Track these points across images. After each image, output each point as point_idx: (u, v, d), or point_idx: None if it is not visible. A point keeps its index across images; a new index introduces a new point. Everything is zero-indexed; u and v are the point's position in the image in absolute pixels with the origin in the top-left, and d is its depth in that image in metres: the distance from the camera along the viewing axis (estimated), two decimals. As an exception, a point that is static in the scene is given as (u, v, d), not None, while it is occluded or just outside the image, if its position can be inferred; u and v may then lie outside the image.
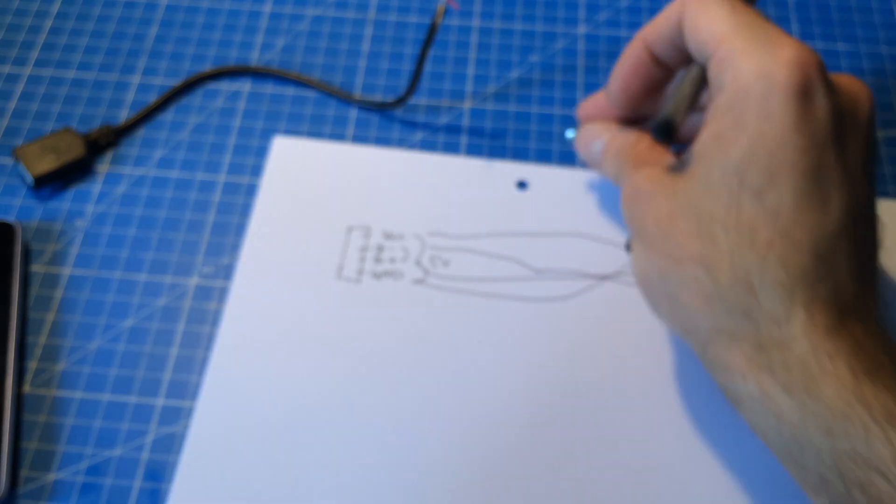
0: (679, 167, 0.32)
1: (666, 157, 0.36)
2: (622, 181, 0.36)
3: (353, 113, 0.49)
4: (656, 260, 0.33)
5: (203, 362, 0.40)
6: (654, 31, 0.34)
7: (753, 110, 0.28)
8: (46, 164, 0.45)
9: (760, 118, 0.28)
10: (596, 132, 0.39)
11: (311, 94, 0.50)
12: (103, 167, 0.47)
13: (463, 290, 0.42)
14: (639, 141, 0.37)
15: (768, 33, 0.30)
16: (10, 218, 0.44)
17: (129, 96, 0.50)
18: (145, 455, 0.38)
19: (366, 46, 0.52)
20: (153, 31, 0.52)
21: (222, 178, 0.46)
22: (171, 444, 0.38)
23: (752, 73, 0.28)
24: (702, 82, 0.33)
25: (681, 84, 0.34)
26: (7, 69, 0.51)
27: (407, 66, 0.51)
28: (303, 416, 0.38)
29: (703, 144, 0.30)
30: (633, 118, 0.39)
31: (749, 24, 0.30)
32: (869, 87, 0.33)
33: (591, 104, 0.40)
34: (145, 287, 0.42)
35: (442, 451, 0.37)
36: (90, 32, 0.52)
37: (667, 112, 0.33)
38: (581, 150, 0.40)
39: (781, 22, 0.53)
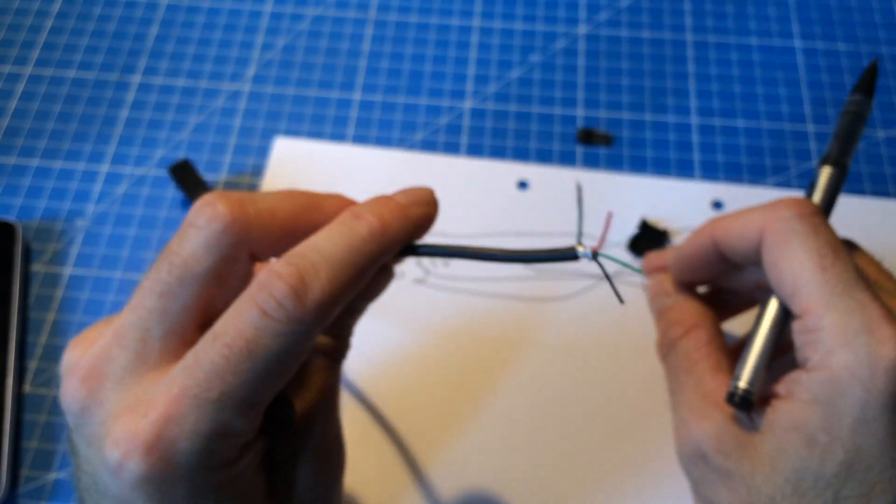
0: (748, 426, 0.27)
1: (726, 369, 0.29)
2: (680, 387, 0.30)
3: (354, 113, 0.49)
4: None
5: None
6: (728, 237, 0.29)
7: (849, 419, 0.25)
8: None
9: (857, 429, 0.25)
10: (665, 288, 0.34)
11: (311, 93, 0.50)
12: (104, 167, 0.47)
13: (463, 290, 0.42)
14: (709, 342, 0.31)
15: (864, 310, 0.25)
16: (11, 217, 0.44)
17: (130, 96, 0.50)
18: (146, 455, 0.38)
19: (366, 46, 0.52)
20: (154, 30, 0.52)
21: (223, 177, 0.46)
22: (171, 444, 0.38)
23: (848, 371, 0.25)
24: (782, 326, 0.28)
25: (757, 338, 0.28)
26: (8, 68, 0.51)
27: (407, 66, 0.51)
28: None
29: (787, 434, 0.26)
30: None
31: (841, 289, 0.26)
32: None
33: (658, 259, 0.35)
34: (146, 287, 0.42)
35: (441, 450, 0.37)
36: (91, 32, 0.52)
37: (743, 379, 0.27)
38: (650, 297, 0.35)
39: (782, 22, 0.53)
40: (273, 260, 0.24)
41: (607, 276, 0.24)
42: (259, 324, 0.22)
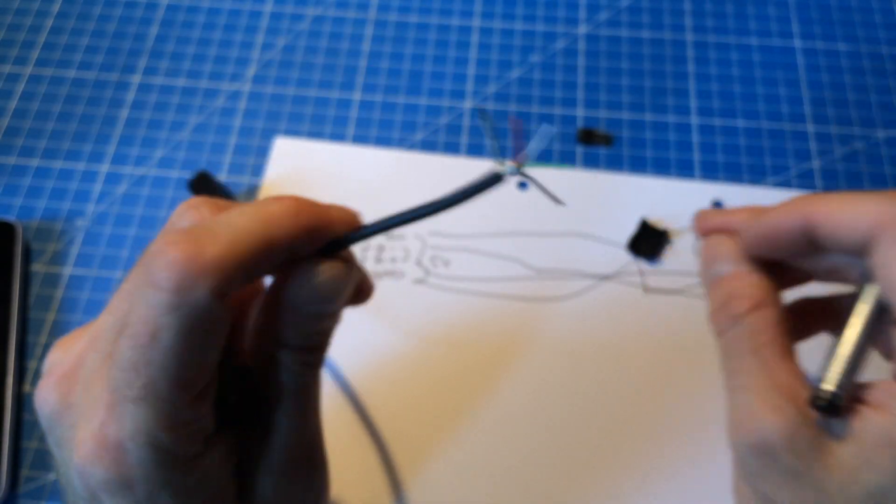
0: (826, 430, 0.25)
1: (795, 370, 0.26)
2: (743, 369, 0.27)
3: (354, 113, 0.49)
4: None
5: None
6: (829, 223, 0.26)
7: None
8: None
9: None
10: (725, 253, 0.29)
11: (311, 93, 0.50)
12: (104, 167, 0.47)
13: (463, 290, 0.42)
14: (778, 323, 0.27)
15: None
16: (11, 217, 0.44)
17: (130, 96, 0.50)
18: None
19: (366, 46, 0.52)
20: (154, 30, 0.52)
21: (223, 178, 0.46)
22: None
23: None
24: (871, 328, 0.26)
25: (849, 338, 0.25)
26: (8, 68, 0.51)
27: (407, 66, 0.51)
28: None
29: (878, 449, 0.24)
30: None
31: None
32: None
33: (718, 220, 0.31)
34: (146, 287, 0.42)
35: (441, 448, 0.37)
36: (91, 32, 0.52)
37: (832, 382, 0.25)
38: (704, 261, 0.31)
39: (782, 22, 0.53)
40: None
41: (539, 185, 0.21)
42: (153, 301, 0.20)
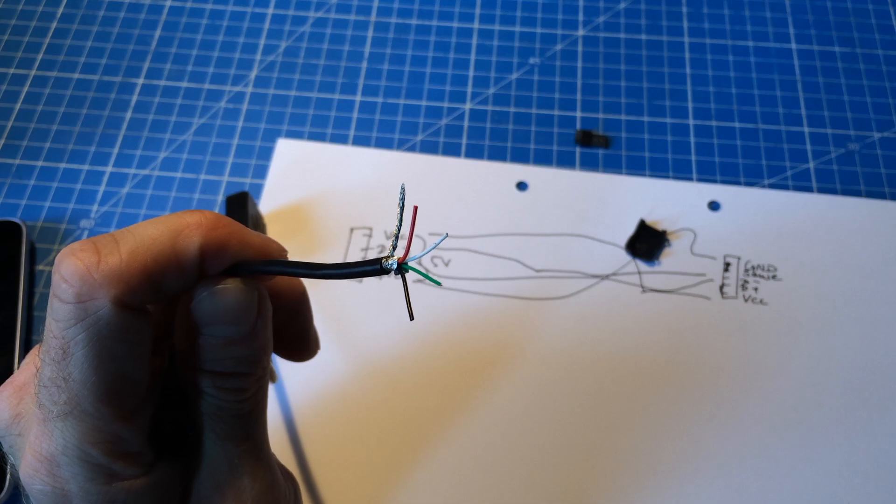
0: None
1: None
2: None
3: (355, 114, 0.49)
4: None
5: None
6: None
7: None
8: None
9: None
10: None
11: (313, 95, 0.50)
12: (108, 168, 0.47)
13: (464, 290, 0.42)
14: None
15: None
16: (16, 217, 0.44)
17: (134, 98, 0.50)
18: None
19: (367, 49, 0.52)
20: (157, 33, 0.53)
21: (226, 178, 0.47)
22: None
23: None
24: None
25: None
26: (13, 70, 0.51)
27: (408, 68, 0.51)
28: (301, 410, 0.38)
29: None
30: None
31: None
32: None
33: None
34: (149, 286, 0.43)
35: (440, 446, 0.38)
36: (95, 34, 0.53)
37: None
38: None
39: (778, 24, 0.53)
40: None
41: (406, 292, 0.20)
42: (59, 315, 0.20)
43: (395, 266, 0.20)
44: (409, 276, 0.42)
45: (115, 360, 0.20)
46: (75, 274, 0.20)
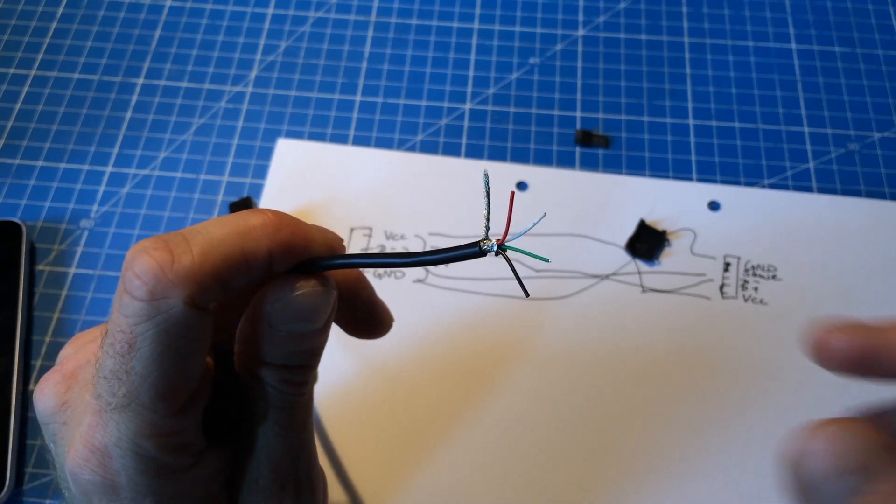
0: None
1: None
2: None
3: (355, 114, 0.49)
4: None
5: (206, 360, 0.40)
6: None
7: None
8: None
9: None
10: (859, 457, 0.21)
11: (313, 95, 0.50)
12: (108, 168, 0.47)
13: (463, 289, 0.42)
14: None
15: None
16: (16, 217, 0.44)
17: (134, 98, 0.50)
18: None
19: (367, 48, 0.52)
20: (157, 33, 0.53)
21: (226, 178, 0.47)
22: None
23: None
24: None
25: None
26: (12, 70, 0.51)
27: (407, 68, 0.51)
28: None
29: None
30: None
31: None
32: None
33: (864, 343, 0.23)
34: (149, 286, 0.43)
35: (441, 446, 0.38)
36: (95, 34, 0.53)
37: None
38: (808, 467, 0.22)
39: (778, 25, 0.53)
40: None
41: (514, 271, 0.21)
42: (129, 311, 0.20)
43: (494, 248, 0.21)
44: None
45: (178, 357, 0.21)
46: (149, 272, 0.20)
